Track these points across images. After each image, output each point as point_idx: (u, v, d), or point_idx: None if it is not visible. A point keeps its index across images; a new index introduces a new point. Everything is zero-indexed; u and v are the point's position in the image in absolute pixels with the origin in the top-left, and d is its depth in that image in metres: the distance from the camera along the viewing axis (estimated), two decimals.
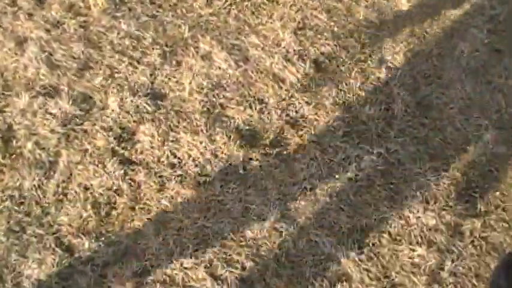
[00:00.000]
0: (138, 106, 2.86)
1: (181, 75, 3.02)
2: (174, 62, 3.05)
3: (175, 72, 3.03)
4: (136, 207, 2.52)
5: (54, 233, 2.59)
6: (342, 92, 2.96)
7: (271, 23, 3.16)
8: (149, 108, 2.88)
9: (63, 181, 2.68)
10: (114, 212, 2.50)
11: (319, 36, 3.13)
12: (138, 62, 3.04)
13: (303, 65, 3.01)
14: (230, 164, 2.64)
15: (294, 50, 3.07)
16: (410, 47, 3.09)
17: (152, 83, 2.98)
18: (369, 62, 3.05)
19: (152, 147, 2.67)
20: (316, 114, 2.78)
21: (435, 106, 2.92)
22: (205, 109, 2.81)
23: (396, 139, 2.74)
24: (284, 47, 3.08)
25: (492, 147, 2.79)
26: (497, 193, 2.68)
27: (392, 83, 2.97)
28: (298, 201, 2.57)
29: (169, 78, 3.01)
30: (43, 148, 2.77)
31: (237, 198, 2.57)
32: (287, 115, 2.79)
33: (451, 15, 3.21)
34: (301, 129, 2.75)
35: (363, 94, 2.95)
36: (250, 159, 2.66)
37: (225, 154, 2.66)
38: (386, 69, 3.02)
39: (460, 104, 2.92)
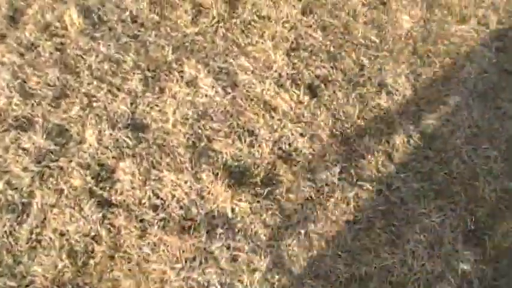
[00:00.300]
0: (117, 140, 2.55)
1: (164, 103, 2.70)
2: (156, 89, 2.73)
3: (158, 100, 2.71)
4: (116, 256, 2.22)
5: (27, 286, 2.29)
6: (339, 122, 2.64)
7: (262, 43, 2.83)
8: (130, 142, 2.56)
9: (37, 226, 2.39)
10: (91, 262, 2.21)
11: (313, 57, 2.81)
12: (118, 89, 2.72)
13: (296, 91, 2.69)
14: (217, 206, 2.31)
15: (287, 74, 2.75)
16: (412, 68, 2.76)
17: (133, 112, 2.67)
18: (368, 86, 2.73)
19: (133, 188, 2.37)
20: (311, 147, 2.50)
21: (440, 136, 2.60)
22: (190, 143, 2.50)
23: (398, 174, 2.44)
24: (276, 71, 2.76)
25: (502, 182, 2.45)
26: (508, 234, 2.36)
27: (393, 110, 2.63)
28: (291, 248, 2.25)
29: (151, 107, 2.69)
30: (15, 188, 2.47)
31: (224, 245, 2.25)
32: (279, 148, 2.50)
33: (456, 31, 2.86)
34: (295, 165, 2.46)
35: (362, 123, 2.63)
36: (239, 200, 2.31)
37: (211, 194, 2.35)
38: (387, 95, 2.69)
39: (466, 133, 2.60)
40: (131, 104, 2.64)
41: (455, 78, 2.72)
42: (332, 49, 2.81)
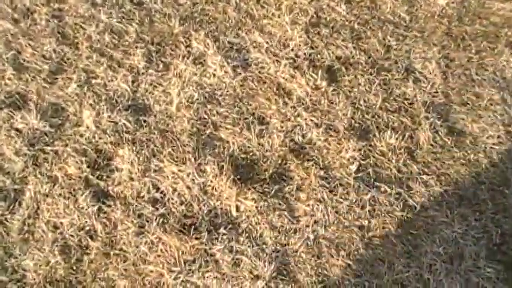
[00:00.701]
0: (116, 123, 2.17)
1: (168, 83, 2.28)
2: (160, 65, 2.30)
3: (162, 78, 2.29)
4: (111, 253, 1.94)
5: (18, 281, 1.99)
6: (359, 112, 2.20)
7: (278, 16, 2.33)
8: (130, 126, 2.18)
9: (30, 216, 2.06)
10: (85, 258, 1.94)
11: (335, 35, 2.31)
12: (119, 65, 2.30)
13: (313, 74, 2.24)
14: (221, 203, 1.99)
15: (305, 54, 2.27)
16: (445, 53, 2.26)
17: (134, 91, 2.26)
18: (394, 71, 2.24)
19: (131, 178, 2.06)
20: (326, 140, 2.12)
21: (469, 133, 2.15)
22: (194, 129, 2.16)
23: (420, 176, 2.05)
24: (292, 49, 2.29)
25: None
26: None
27: (420, 101, 2.17)
28: (298, 254, 1.93)
29: (154, 87, 2.28)
30: (7, 173, 2.11)
31: (227, 248, 1.94)
32: (291, 140, 2.14)
33: (498, 10, 2.31)
34: (307, 160, 2.09)
35: (384, 115, 2.19)
36: (245, 197, 1.99)
37: (215, 190, 2.03)
38: (414, 82, 2.21)
39: (500, 131, 2.13)
40: (133, 82, 2.28)
41: (491, 67, 2.21)
42: (356, 26, 2.31)
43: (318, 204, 2.02)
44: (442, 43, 2.28)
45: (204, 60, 2.27)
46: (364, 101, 2.20)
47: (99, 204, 2.03)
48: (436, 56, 2.26)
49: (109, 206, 2.03)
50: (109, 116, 2.16)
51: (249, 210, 2.00)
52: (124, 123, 2.15)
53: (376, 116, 2.18)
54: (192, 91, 2.23)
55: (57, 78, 2.24)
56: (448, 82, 2.22)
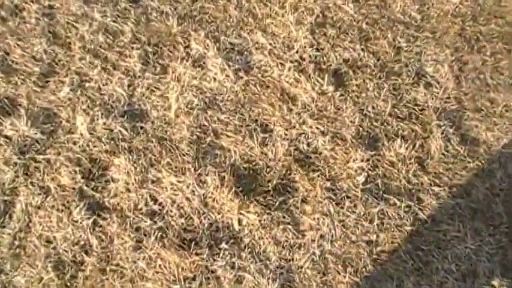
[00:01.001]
0: (112, 130, 2.02)
1: (166, 87, 2.13)
2: (158, 68, 2.15)
3: (159, 82, 2.13)
4: (108, 269, 1.83)
5: None
6: (367, 119, 2.07)
7: (282, 15, 2.17)
8: (126, 134, 2.03)
9: (21, 230, 1.92)
10: (80, 275, 1.82)
11: (342, 36, 2.16)
12: (114, 67, 2.14)
13: (319, 79, 2.10)
14: (222, 217, 1.88)
15: (310, 57, 2.13)
16: (458, 55, 2.11)
17: (130, 96, 2.11)
18: (404, 75, 2.09)
19: (128, 189, 1.94)
20: (332, 149, 2.01)
21: (483, 142, 2.02)
22: (194, 137, 2.03)
23: (431, 187, 1.95)
24: (297, 51, 2.14)
25: None
26: None
27: (431, 107, 2.03)
28: (303, 270, 1.83)
29: (151, 91, 2.12)
30: None
31: (228, 264, 1.83)
32: (296, 149, 2.02)
33: None
34: (313, 171, 1.99)
35: (394, 123, 2.05)
36: (248, 210, 1.89)
37: (216, 202, 1.92)
38: (426, 87, 2.07)
39: None
40: (128, 86, 2.12)
41: (507, 70, 2.06)
42: (364, 26, 2.15)
43: (324, 218, 1.91)
44: (455, 44, 2.13)
45: (204, 63, 2.12)
46: (373, 107, 2.07)
47: (94, 217, 1.89)
48: (448, 59, 2.12)
49: (105, 219, 1.91)
50: (104, 123, 2.02)
51: (252, 224, 1.89)
52: (120, 130, 2.01)
53: (385, 124, 2.06)
54: (191, 96, 2.08)
55: (48, 82, 2.08)
56: (461, 87, 2.08)
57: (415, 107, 2.07)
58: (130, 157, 1.99)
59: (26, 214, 1.94)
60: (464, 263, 1.88)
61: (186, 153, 2.01)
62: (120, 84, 2.11)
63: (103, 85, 2.11)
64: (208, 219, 1.89)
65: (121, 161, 1.98)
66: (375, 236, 1.89)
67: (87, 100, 2.09)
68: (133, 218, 1.91)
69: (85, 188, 1.95)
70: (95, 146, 2.02)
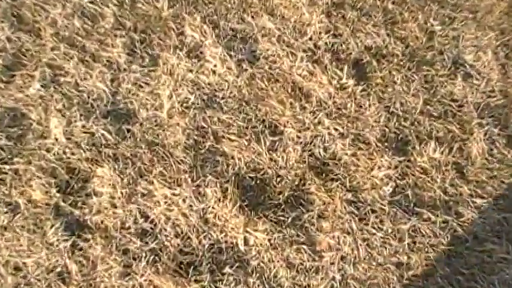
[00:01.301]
0: (93, 134, 1.96)
1: (157, 82, 2.08)
2: (146, 59, 2.11)
3: (149, 76, 2.08)
4: None
5: None
6: (395, 118, 2.04)
7: None
8: (110, 138, 1.98)
9: None
10: None
11: (364, 18, 2.16)
12: (94, 58, 2.09)
13: (338, 71, 2.07)
14: (225, 236, 1.85)
15: (326, 44, 2.11)
16: (503, 39, 2.11)
17: (114, 94, 2.06)
18: (438, 65, 2.08)
19: (113, 205, 1.89)
20: (354, 155, 1.98)
21: None
22: (191, 141, 1.99)
23: (472, 199, 1.92)
24: (311, 38, 2.12)
25: None
26: None
27: (471, 102, 2.02)
28: None
29: (139, 86, 2.07)
30: None
31: None
32: (311, 154, 1.99)
33: None
34: (331, 180, 1.95)
35: (427, 122, 2.03)
36: (255, 228, 1.85)
37: (218, 219, 1.87)
38: (464, 79, 2.07)
39: None
40: (112, 81, 2.07)
41: None
42: (390, 6, 2.13)
43: (345, 236, 1.87)
44: (500, 26, 2.11)
45: (201, 53, 2.08)
46: (401, 104, 2.05)
47: (73, 239, 1.83)
48: (492, 44, 2.07)
49: (86, 240, 1.84)
50: (83, 125, 1.96)
51: (260, 244, 1.85)
52: (102, 134, 1.96)
53: (416, 124, 2.03)
54: (186, 92, 2.04)
55: (14, 76, 2.02)
56: (508, 78, 2.05)
57: (452, 103, 2.03)
58: (116, 166, 1.93)
59: None
60: None
61: (182, 161, 1.95)
62: (102, 79, 2.05)
63: (81, 80, 2.03)
64: (209, 238, 1.84)
65: (105, 171, 1.91)
66: (405, 257, 1.84)
67: (62, 98, 2.00)
68: (121, 239, 1.84)
69: (62, 203, 1.88)
70: (72, 154, 1.94)
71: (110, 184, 1.91)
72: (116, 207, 1.88)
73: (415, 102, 2.05)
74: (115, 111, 2.04)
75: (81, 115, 2.00)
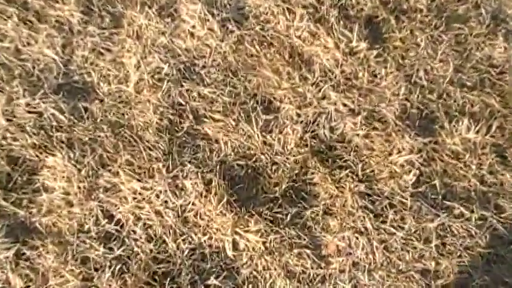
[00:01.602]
0: (41, 115, 1.94)
1: (120, 47, 2.06)
2: (107, 19, 2.08)
3: (110, 40, 2.08)
4: None
5: None
6: (418, 90, 2.01)
7: None
8: (62, 119, 1.95)
9: None
10: None
11: None
12: (39, 18, 2.11)
13: (346, 31, 2.04)
14: (210, 238, 1.81)
15: None
16: None
17: (66, 63, 2.04)
18: (473, 21, 2.10)
19: (69, 202, 1.85)
20: (367, 136, 1.93)
21: None
22: (165, 122, 1.96)
23: None
24: None
25: None
26: None
27: None
28: None
29: (99, 54, 2.06)
30: None
31: None
32: (314, 136, 1.95)
33: None
34: (340, 168, 1.92)
35: (458, 94, 2.01)
36: (246, 229, 1.82)
37: (200, 218, 1.83)
38: (506, 38, 2.08)
39: None
40: (63, 47, 2.05)
41: None
42: None
43: (357, 237, 1.83)
44: None
45: (176, 11, 2.06)
46: (426, 71, 2.02)
47: (17, 246, 1.81)
48: None
49: (34, 247, 1.80)
50: (27, 103, 1.93)
51: (253, 249, 1.82)
52: (53, 114, 1.93)
53: (445, 96, 2.00)
54: (158, 61, 2.01)
55: None
56: None
57: (491, 69, 2.00)
58: (71, 154, 1.90)
59: None
60: None
61: (154, 146, 1.92)
62: (51, 44, 2.02)
63: (23, 46, 2.01)
64: (190, 242, 1.82)
65: (57, 161, 1.88)
66: (433, 263, 1.80)
67: (0, 69, 1.99)
68: (78, 245, 1.82)
69: (2, 202, 1.86)
70: (15, 139, 1.92)
71: (63, 177, 1.87)
72: (71, 206, 1.85)
73: (443, 70, 2.03)
74: (68, 85, 2.02)
75: (24, 90, 1.96)
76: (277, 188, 1.89)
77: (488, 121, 1.96)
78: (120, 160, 1.90)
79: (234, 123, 1.96)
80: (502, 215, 1.86)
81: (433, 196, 1.88)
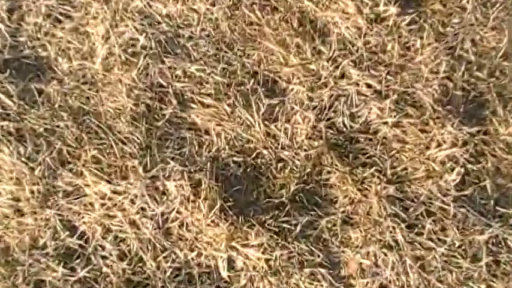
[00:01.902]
0: None
1: (85, 14, 2.06)
2: None
3: (70, 4, 2.09)
4: None
5: None
6: (463, 66, 1.95)
7: None
8: (10, 104, 1.93)
9: None
10: None
11: None
12: None
13: None
14: (199, 254, 1.78)
15: None
16: None
17: (15, 31, 2.05)
18: None
19: (19, 210, 1.83)
20: (398, 125, 1.86)
21: None
22: (141, 108, 1.90)
23: None
24: None
25: None
26: None
27: None
28: None
29: (56, 21, 2.05)
30: None
31: None
32: (329, 125, 1.90)
33: None
34: (363, 166, 1.85)
35: None
36: (245, 242, 1.76)
37: (187, 230, 1.79)
38: None
39: None
40: (10, 11, 2.03)
41: None
42: None
43: (385, 253, 1.75)
44: None
45: None
46: (474, 42, 1.93)
47: None
48: None
49: None
50: None
51: (254, 268, 1.75)
52: None
53: (499, 73, 1.93)
54: (133, 31, 1.94)
55: None
56: None
57: None
58: (22, 150, 1.84)
59: None
60: None
61: (128, 139, 1.87)
62: None
63: None
64: (173, 260, 1.76)
65: (3, 158, 1.82)
66: (483, 286, 1.71)
67: None
68: (31, 265, 1.76)
69: None
70: None
71: (11, 178, 1.82)
72: (23, 215, 1.80)
73: (496, 40, 1.94)
74: (17, 61, 1.99)
75: None
76: (283, 191, 1.85)
77: None
78: (85, 157, 1.85)
79: (228, 109, 1.90)
80: None
81: (482, 201, 1.82)
